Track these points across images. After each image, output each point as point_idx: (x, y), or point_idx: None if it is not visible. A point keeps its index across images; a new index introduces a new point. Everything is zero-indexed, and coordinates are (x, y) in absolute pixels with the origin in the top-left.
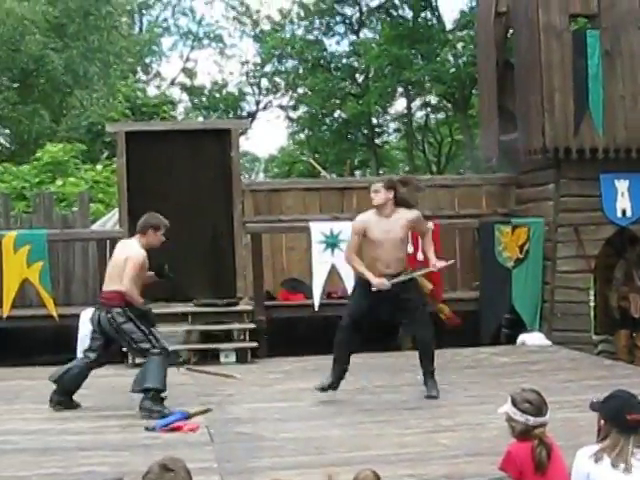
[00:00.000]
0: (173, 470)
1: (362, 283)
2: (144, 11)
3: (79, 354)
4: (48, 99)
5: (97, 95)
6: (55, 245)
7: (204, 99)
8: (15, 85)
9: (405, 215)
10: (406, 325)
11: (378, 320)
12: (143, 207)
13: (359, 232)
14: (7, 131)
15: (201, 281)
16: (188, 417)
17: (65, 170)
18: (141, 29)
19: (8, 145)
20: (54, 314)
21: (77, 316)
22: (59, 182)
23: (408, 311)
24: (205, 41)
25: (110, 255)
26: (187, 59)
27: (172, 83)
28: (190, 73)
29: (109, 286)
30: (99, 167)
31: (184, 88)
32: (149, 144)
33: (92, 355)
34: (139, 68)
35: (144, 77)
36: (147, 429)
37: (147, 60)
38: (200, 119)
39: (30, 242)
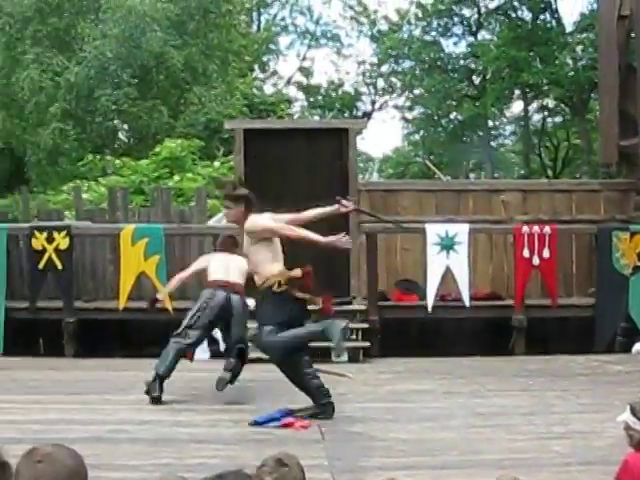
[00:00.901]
0: (288, 465)
1: None
2: (262, 9)
3: None
4: (167, 95)
5: (215, 92)
6: (172, 239)
7: (320, 98)
8: (135, 81)
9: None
10: None
11: None
12: (259, 204)
13: None
14: (126, 126)
15: (315, 279)
16: (291, 412)
17: (183, 165)
18: (259, 27)
19: (126, 140)
20: (169, 307)
21: None
22: (177, 177)
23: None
24: (322, 40)
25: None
26: (304, 58)
27: (288, 82)
28: (307, 72)
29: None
30: (216, 164)
31: (300, 87)
32: (266, 142)
33: (188, 340)
34: (256, 66)
35: (261, 75)
36: (250, 424)
37: (264, 58)
38: (316, 118)
39: (148, 236)
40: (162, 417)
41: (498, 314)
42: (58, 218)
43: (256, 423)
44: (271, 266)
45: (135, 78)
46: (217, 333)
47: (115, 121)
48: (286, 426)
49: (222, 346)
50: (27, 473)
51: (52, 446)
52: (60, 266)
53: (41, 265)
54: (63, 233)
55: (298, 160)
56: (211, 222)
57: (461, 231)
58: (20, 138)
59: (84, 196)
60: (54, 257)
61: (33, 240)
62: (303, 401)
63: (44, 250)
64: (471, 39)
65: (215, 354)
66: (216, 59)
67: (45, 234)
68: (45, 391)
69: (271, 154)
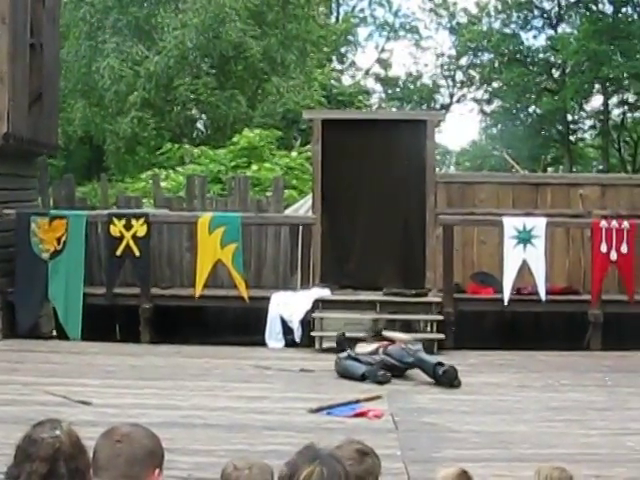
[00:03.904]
0: (368, 454)
1: None
2: (341, 1)
3: (267, 336)
4: (245, 85)
5: (293, 83)
6: (248, 228)
7: (398, 90)
8: (214, 71)
9: None
10: None
11: None
12: (337, 194)
13: None
14: (204, 116)
15: (391, 270)
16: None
17: (260, 155)
18: (337, 19)
19: (204, 129)
20: (245, 296)
21: (267, 299)
22: (254, 167)
23: None
24: (401, 32)
25: (302, 240)
26: (382, 50)
27: (367, 73)
28: (385, 64)
29: None
30: (294, 154)
31: (378, 79)
32: (344, 132)
33: None
34: (334, 57)
35: (339, 66)
36: (312, 411)
37: (342, 50)
38: (393, 110)
39: (225, 224)
40: (236, 404)
41: (574, 309)
42: (136, 206)
43: (329, 412)
44: None
45: (214, 68)
46: (293, 323)
47: (193, 110)
48: (359, 415)
49: (297, 335)
50: (106, 452)
51: (130, 426)
52: (137, 253)
53: (119, 252)
54: (141, 220)
55: (376, 151)
56: (288, 212)
57: (538, 225)
58: (99, 127)
59: (162, 184)
60: (132, 244)
61: (111, 227)
62: (372, 390)
63: (122, 237)
64: (551, 32)
65: (290, 343)
66: (294, 50)
67: (123, 221)
68: (121, 376)
69: (349, 145)
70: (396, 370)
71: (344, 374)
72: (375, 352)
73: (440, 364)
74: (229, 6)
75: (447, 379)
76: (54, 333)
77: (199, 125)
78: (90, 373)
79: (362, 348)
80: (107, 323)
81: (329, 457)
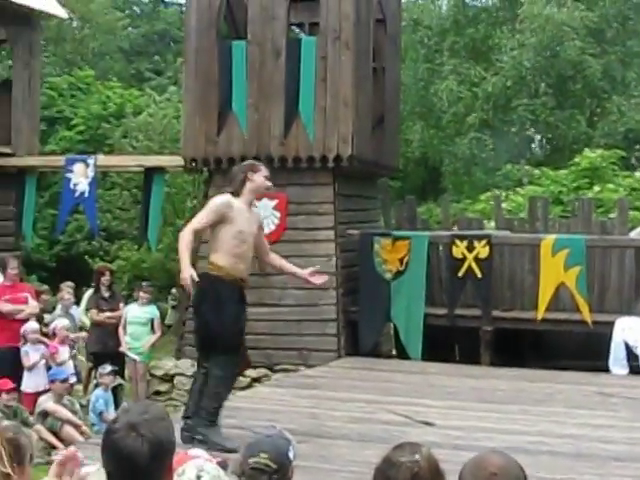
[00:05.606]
0: None
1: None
2: None
3: (611, 362)
4: (584, 104)
5: (635, 101)
6: (592, 251)
7: None
8: (551, 90)
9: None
10: None
11: None
12: None
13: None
14: (538, 136)
15: None
16: None
17: (602, 176)
18: None
19: (539, 149)
20: (588, 320)
21: (611, 324)
22: (597, 188)
23: None
24: None
25: None
26: None
27: None
28: None
29: None
30: (637, 174)
31: None
32: None
33: None
34: None
35: None
36: None
37: None
38: None
39: (568, 247)
40: (581, 432)
41: None
42: (478, 227)
43: None
44: None
45: (551, 87)
46: (638, 349)
47: (530, 131)
48: None
49: None
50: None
51: (499, 455)
52: (479, 274)
53: (460, 273)
54: (483, 242)
55: None
56: (633, 234)
57: None
58: (436, 148)
59: (502, 205)
60: (474, 266)
61: (453, 248)
62: None
63: (464, 258)
64: None
65: (634, 370)
66: (635, 67)
67: (465, 243)
68: (462, 398)
69: None
70: None
71: None
72: None
73: None
74: (567, 25)
75: None
76: (393, 352)
77: (533, 145)
78: (431, 394)
79: None
80: (446, 344)
81: None
